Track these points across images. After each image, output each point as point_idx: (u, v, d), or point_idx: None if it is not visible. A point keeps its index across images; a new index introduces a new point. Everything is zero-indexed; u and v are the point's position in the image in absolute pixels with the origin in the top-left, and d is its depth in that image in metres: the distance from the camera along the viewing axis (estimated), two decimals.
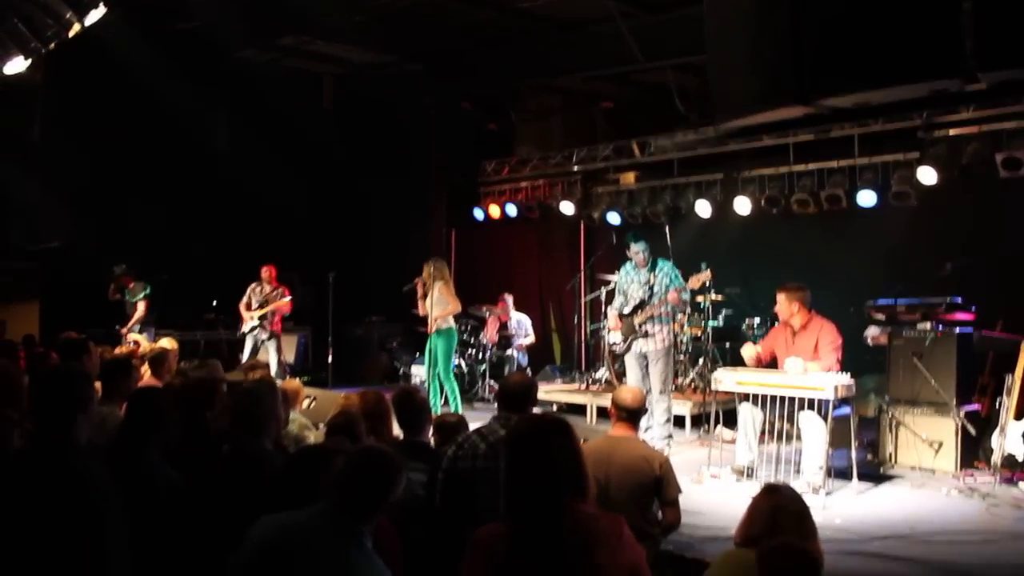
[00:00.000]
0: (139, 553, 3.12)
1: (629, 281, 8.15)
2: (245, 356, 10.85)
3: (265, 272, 11.04)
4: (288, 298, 10.98)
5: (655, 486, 4.28)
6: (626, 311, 8.02)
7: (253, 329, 10.89)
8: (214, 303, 13.11)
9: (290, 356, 11.86)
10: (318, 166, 13.74)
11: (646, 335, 7.84)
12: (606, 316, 8.75)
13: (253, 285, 11.05)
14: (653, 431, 7.64)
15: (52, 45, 6.88)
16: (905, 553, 4.87)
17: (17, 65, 7.31)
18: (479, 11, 10.99)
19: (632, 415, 4.48)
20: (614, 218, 12.03)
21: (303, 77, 13.81)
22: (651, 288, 7.93)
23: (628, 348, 7.97)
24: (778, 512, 3.18)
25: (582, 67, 11.93)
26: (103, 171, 11.59)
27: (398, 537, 3.25)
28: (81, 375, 3.20)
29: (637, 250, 8.01)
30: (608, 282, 10.83)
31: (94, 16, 6.32)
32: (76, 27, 6.43)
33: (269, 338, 10.91)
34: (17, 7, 6.57)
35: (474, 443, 4.00)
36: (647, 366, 7.87)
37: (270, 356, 10.83)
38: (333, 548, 2.57)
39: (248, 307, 10.98)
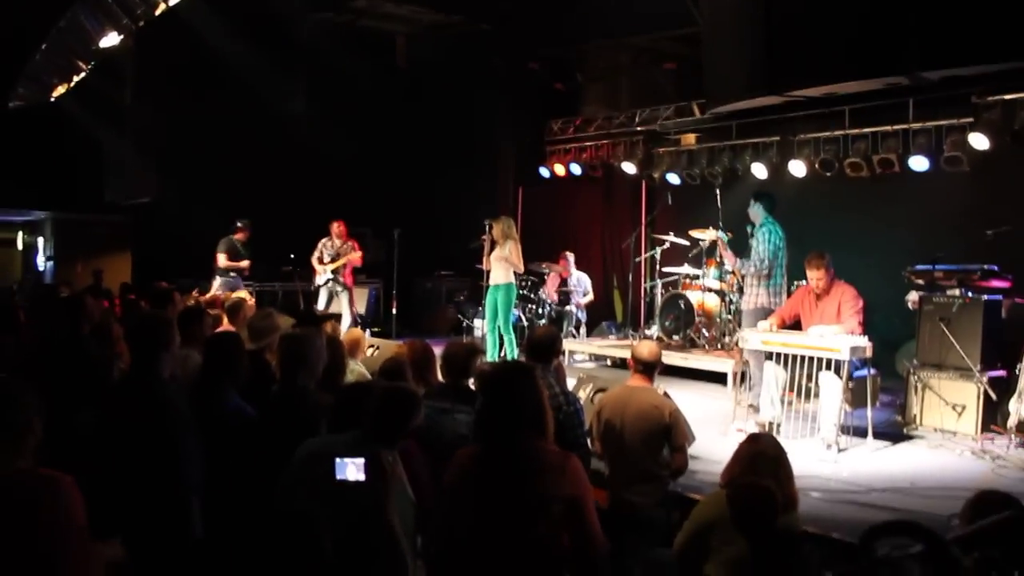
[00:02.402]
0: (216, 472, 3.74)
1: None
2: (321, 307, 11.47)
3: (335, 227, 11.60)
4: (359, 252, 11.58)
5: (664, 432, 4.74)
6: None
7: (327, 282, 11.49)
8: (291, 256, 13.84)
9: (361, 307, 12.52)
10: (390, 125, 14.14)
11: (740, 292, 8.18)
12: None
13: (324, 240, 11.62)
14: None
15: (141, 22, 7.55)
16: (897, 504, 5.20)
17: (111, 39, 8.01)
18: None
19: (647, 367, 4.93)
20: (674, 179, 12.34)
21: (376, 38, 14.25)
22: (751, 248, 8.18)
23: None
24: (757, 457, 3.63)
25: (646, 28, 12.16)
26: (187, 133, 12.28)
27: (429, 465, 3.79)
28: (164, 320, 3.82)
29: (750, 210, 8.21)
30: (663, 242, 11.22)
31: None
32: (162, 6, 7.04)
33: (342, 290, 11.51)
34: None
35: None
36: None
37: (343, 307, 11.46)
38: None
39: (320, 261, 11.56)
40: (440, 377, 4.99)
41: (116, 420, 3.56)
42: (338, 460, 2.87)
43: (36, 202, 14.92)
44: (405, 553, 2.96)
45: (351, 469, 2.87)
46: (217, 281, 11.27)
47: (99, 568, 2.72)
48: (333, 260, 11.49)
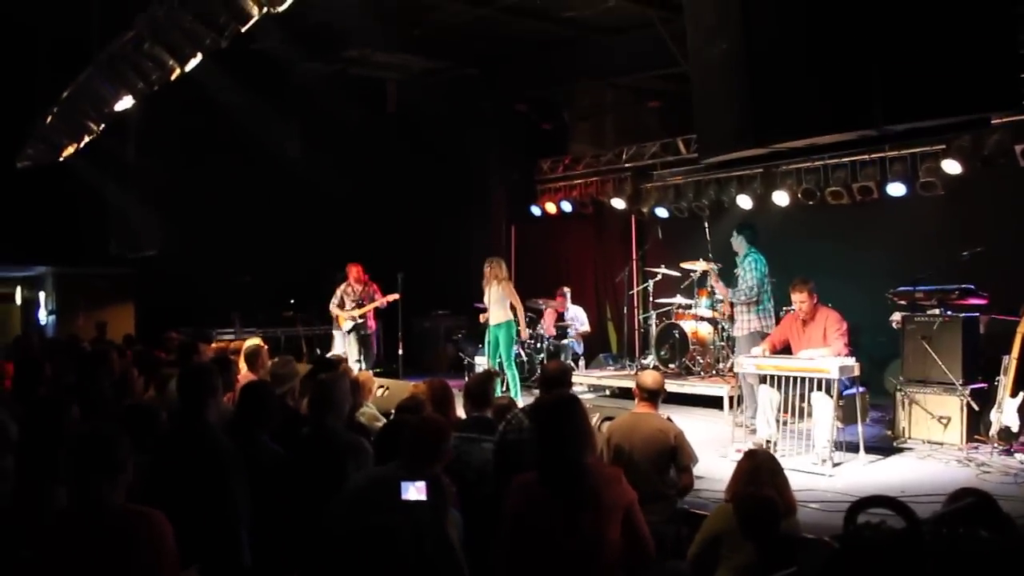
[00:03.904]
0: (258, 508, 4.06)
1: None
2: (340, 352, 11.27)
3: (354, 271, 11.56)
4: (386, 297, 11.52)
5: (671, 454, 5.08)
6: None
7: (354, 328, 11.44)
8: (291, 302, 14.17)
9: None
10: (383, 168, 14.38)
11: (732, 320, 8.68)
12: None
13: (343, 286, 11.57)
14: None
15: (155, 87, 7.94)
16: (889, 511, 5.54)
17: (126, 103, 8.39)
18: (528, 21, 11.76)
19: (652, 395, 5.29)
20: (662, 212, 12.77)
21: (367, 84, 14.59)
22: (738, 278, 8.64)
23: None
24: (756, 471, 4.00)
25: (629, 69, 12.62)
26: (189, 184, 12.54)
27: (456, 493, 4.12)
28: (210, 370, 4.15)
29: (733, 241, 8.74)
30: (655, 274, 11.62)
31: (193, 63, 7.32)
32: (177, 71, 7.43)
33: (367, 335, 11.49)
34: (128, 56, 7.62)
35: (520, 418, 4.88)
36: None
37: (367, 351, 11.48)
38: (393, 490, 3.42)
39: (341, 306, 11.52)
40: (462, 411, 5.33)
41: (171, 463, 3.88)
42: (403, 483, 3.20)
43: (39, 258, 15.17)
44: (461, 562, 3.29)
45: (413, 491, 3.20)
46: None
47: None
48: (359, 306, 11.42)
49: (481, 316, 10.63)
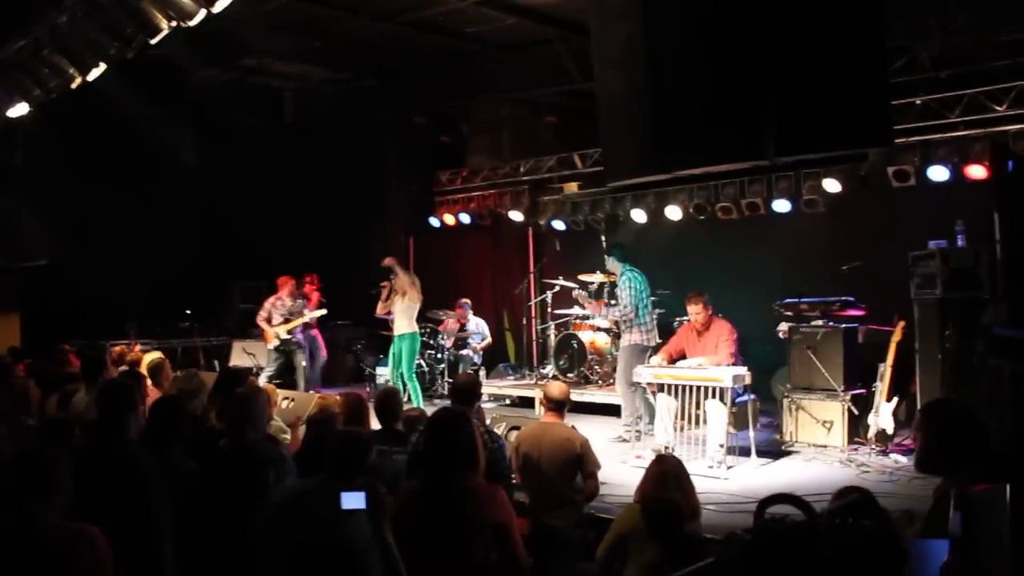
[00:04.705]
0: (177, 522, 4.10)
1: None
2: (269, 370, 11.18)
3: (287, 284, 11.43)
4: (317, 310, 11.51)
5: (577, 461, 5.34)
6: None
7: (283, 344, 11.22)
8: (187, 312, 13.92)
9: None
10: (282, 179, 14.20)
11: (618, 336, 8.96)
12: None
13: (273, 299, 11.37)
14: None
15: (53, 95, 7.76)
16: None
17: (20, 110, 8.15)
18: (429, 36, 11.93)
19: (558, 405, 5.54)
20: (559, 225, 13.10)
21: (265, 93, 14.48)
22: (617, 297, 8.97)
23: None
24: (663, 475, 4.27)
25: (527, 85, 12.88)
26: (80, 192, 12.22)
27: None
28: (130, 386, 4.17)
29: (607, 263, 9.09)
30: (553, 286, 11.93)
31: (95, 73, 7.20)
32: (78, 80, 7.29)
33: (297, 349, 11.31)
34: (24, 63, 7.44)
35: None
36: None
37: (299, 365, 11.24)
38: (328, 501, 3.55)
39: (269, 321, 11.25)
40: (375, 423, 5.47)
41: (91, 480, 3.88)
42: (342, 493, 3.31)
43: None
44: (400, 566, 3.42)
45: (353, 499, 3.33)
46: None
47: None
48: (286, 321, 11.20)
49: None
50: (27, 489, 2.82)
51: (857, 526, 2.20)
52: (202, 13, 6.18)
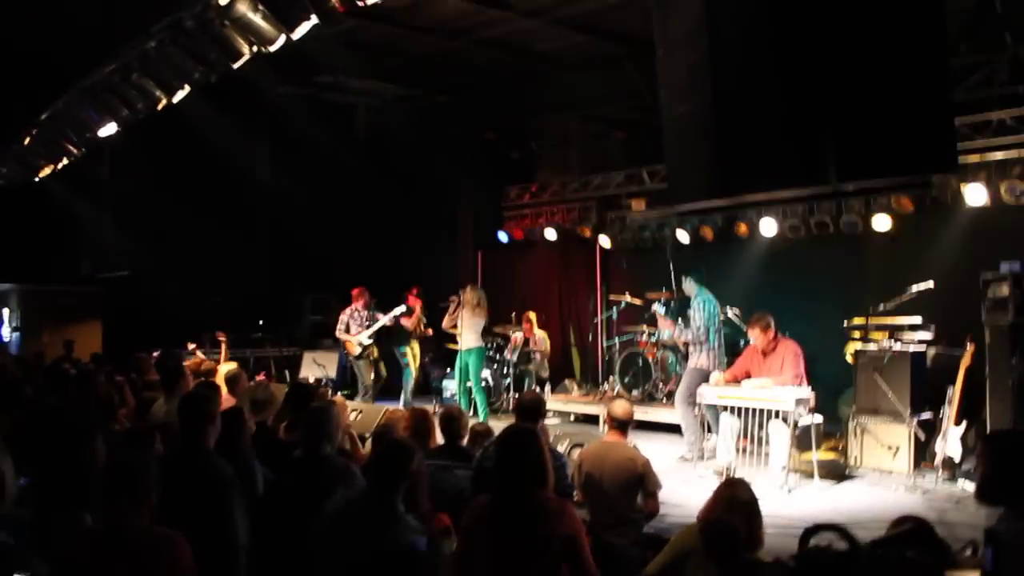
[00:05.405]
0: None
1: None
2: (364, 378, 11.51)
3: (363, 297, 11.63)
4: (389, 313, 11.59)
5: (638, 481, 5.40)
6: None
7: (364, 351, 11.46)
8: (260, 323, 14.31)
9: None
10: (353, 193, 14.46)
11: (685, 356, 8.98)
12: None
13: (349, 310, 11.61)
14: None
15: (140, 116, 8.14)
16: None
17: (109, 129, 8.57)
18: (498, 53, 12.10)
19: (622, 424, 5.61)
20: (626, 242, 13.12)
21: (339, 109, 14.72)
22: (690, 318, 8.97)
23: None
24: (732, 500, 4.27)
25: (596, 102, 13.00)
26: (160, 206, 12.69)
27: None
28: (209, 397, 4.38)
29: (684, 285, 9.13)
30: (619, 302, 11.97)
31: (180, 95, 7.55)
32: (164, 102, 7.64)
33: (377, 359, 11.61)
34: (114, 86, 7.83)
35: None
36: None
37: (371, 374, 11.52)
38: (373, 512, 3.70)
39: (347, 332, 11.51)
40: (439, 439, 5.63)
41: (172, 488, 4.08)
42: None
43: (5, 275, 15.13)
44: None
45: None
46: None
47: None
48: (366, 329, 11.46)
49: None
50: (120, 494, 3.01)
51: (899, 558, 2.24)
52: (282, 39, 6.44)
